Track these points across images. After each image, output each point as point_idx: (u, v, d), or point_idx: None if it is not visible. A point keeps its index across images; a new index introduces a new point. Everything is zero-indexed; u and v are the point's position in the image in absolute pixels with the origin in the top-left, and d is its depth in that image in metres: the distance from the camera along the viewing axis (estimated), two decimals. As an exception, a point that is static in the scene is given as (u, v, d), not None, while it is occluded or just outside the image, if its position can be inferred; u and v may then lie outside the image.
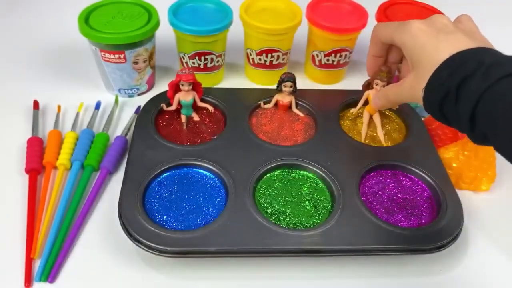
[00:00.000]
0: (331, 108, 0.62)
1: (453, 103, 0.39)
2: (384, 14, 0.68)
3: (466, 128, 0.39)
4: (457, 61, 0.39)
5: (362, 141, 0.59)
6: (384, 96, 0.51)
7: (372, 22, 0.67)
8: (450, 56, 0.40)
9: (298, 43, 0.70)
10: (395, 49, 0.52)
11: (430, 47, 0.42)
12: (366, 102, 0.60)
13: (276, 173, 0.54)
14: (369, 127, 0.61)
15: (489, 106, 0.37)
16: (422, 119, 0.62)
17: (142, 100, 0.62)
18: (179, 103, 0.58)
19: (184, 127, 0.59)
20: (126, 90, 0.66)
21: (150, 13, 0.63)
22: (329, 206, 0.51)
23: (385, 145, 0.59)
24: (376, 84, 0.55)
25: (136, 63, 0.63)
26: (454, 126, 0.42)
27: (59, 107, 0.62)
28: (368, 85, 0.58)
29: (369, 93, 0.59)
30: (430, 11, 0.69)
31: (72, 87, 0.68)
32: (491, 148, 0.54)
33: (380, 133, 0.60)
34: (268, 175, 0.54)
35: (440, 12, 0.67)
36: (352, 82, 0.73)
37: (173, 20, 0.63)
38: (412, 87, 0.44)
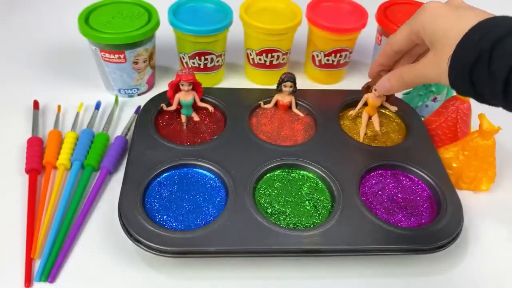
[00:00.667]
0: (331, 108, 0.62)
1: (485, 66, 0.37)
2: (384, 14, 0.68)
3: (499, 93, 0.37)
4: (488, 25, 0.38)
5: (361, 141, 0.59)
6: (398, 77, 0.49)
7: (372, 22, 0.68)
8: (479, 22, 0.39)
9: (298, 43, 0.70)
10: (404, 60, 0.52)
11: (453, 18, 0.41)
12: (365, 104, 0.60)
13: (276, 173, 0.54)
14: (368, 128, 0.61)
15: None
16: (422, 119, 0.62)
17: (142, 100, 0.62)
18: (179, 103, 0.58)
19: (184, 127, 0.59)
20: (126, 90, 0.66)
21: (150, 13, 0.63)
22: (329, 206, 0.51)
23: (382, 138, 0.59)
24: (375, 90, 0.55)
25: (136, 63, 0.63)
26: (480, 99, 0.40)
27: (59, 107, 0.62)
28: (368, 88, 0.58)
29: (368, 96, 0.59)
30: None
31: (72, 87, 0.68)
32: (491, 148, 0.55)
33: (378, 130, 0.60)
34: (268, 175, 0.54)
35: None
36: (352, 82, 0.73)
37: (173, 20, 0.63)
38: (432, 64, 0.43)
